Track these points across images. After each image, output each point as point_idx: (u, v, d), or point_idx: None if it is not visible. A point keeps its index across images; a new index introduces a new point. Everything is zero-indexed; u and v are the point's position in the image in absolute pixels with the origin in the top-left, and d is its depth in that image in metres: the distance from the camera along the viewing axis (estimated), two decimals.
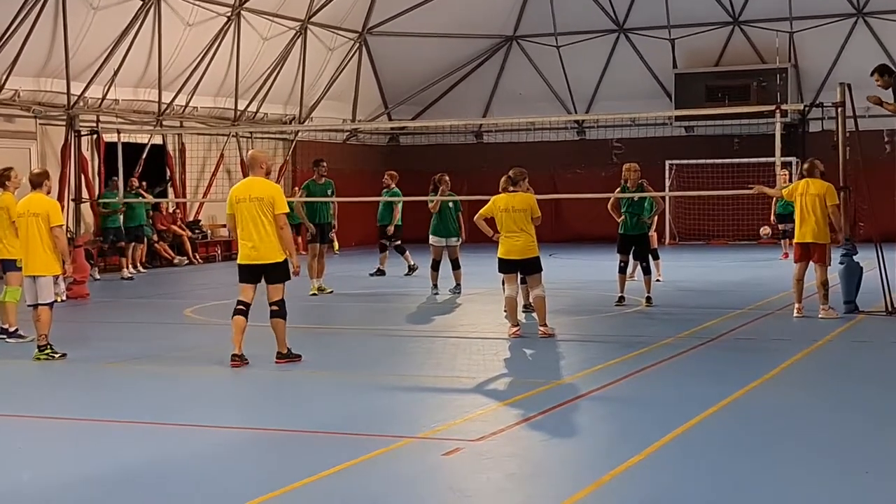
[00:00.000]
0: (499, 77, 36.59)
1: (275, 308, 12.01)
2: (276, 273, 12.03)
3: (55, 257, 13.07)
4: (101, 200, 25.81)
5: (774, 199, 24.31)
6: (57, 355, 12.87)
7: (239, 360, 11.92)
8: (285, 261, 12.01)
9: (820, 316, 15.27)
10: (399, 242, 23.56)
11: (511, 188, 14.08)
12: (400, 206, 23.04)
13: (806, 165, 16.00)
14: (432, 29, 34.46)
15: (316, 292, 19.60)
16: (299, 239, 30.79)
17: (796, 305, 15.58)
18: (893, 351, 13.18)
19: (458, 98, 36.57)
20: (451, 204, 19.62)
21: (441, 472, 7.78)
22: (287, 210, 12.16)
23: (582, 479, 7.42)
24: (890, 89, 15.77)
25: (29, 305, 13.18)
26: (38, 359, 12.84)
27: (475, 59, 36.43)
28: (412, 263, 23.24)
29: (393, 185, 23.31)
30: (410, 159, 35.22)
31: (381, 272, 23.24)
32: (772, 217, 25.48)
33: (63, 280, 13.77)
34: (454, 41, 35.43)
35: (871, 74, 16.00)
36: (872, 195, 16.79)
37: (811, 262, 15.50)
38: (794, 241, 15.90)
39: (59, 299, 14.06)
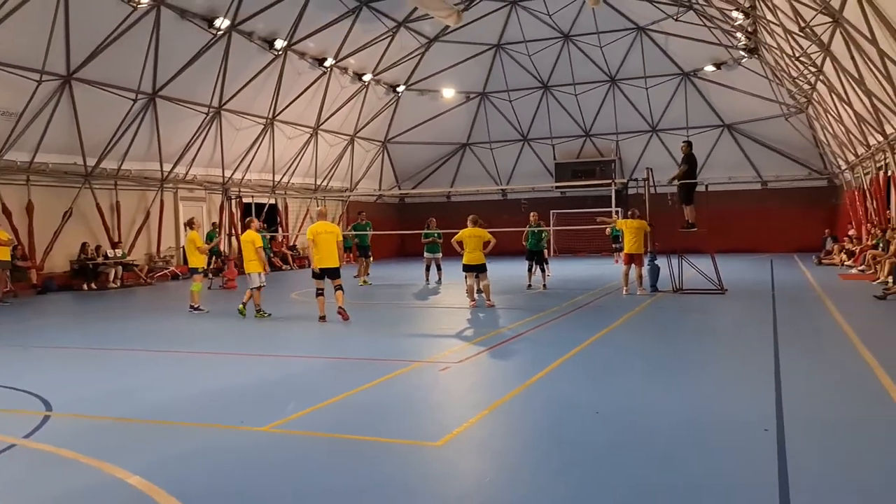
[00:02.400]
0: (459, 165, 36.61)
1: (337, 285, 12.13)
2: (337, 272, 12.14)
3: (259, 263, 12.85)
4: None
5: (608, 228, 24.49)
6: (266, 314, 12.59)
7: (323, 319, 11.87)
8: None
9: (638, 293, 15.33)
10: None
11: (473, 225, 14.16)
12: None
13: (632, 211, 16.20)
14: (424, 138, 34.47)
15: (363, 284, 19.34)
16: (350, 255, 31.03)
17: (624, 288, 15.60)
18: (677, 310, 13.24)
19: (438, 176, 36.57)
20: (436, 234, 19.63)
21: (439, 381, 7.71)
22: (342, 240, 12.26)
23: (513, 385, 7.35)
24: (684, 155, 15.83)
25: (252, 288, 12.81)
26: (256, 316, 12.54)
27: (446, 155, 36.45)
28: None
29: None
30: (412, 210, 35.17)
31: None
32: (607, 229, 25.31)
33: (261, 276, 13.04)
34: (435, 146, 35.43)
35: (683, 143, 16.05)
36: (663, 228, 16.92)
37: (634, 265, 15.60)
38: (624, 252, 15.82)
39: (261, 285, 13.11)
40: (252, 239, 12.92)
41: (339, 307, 12.07)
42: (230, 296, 17.62)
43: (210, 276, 19.54)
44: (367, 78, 28.51)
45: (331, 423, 6.03)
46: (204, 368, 8.61)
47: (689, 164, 15.66)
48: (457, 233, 14.46)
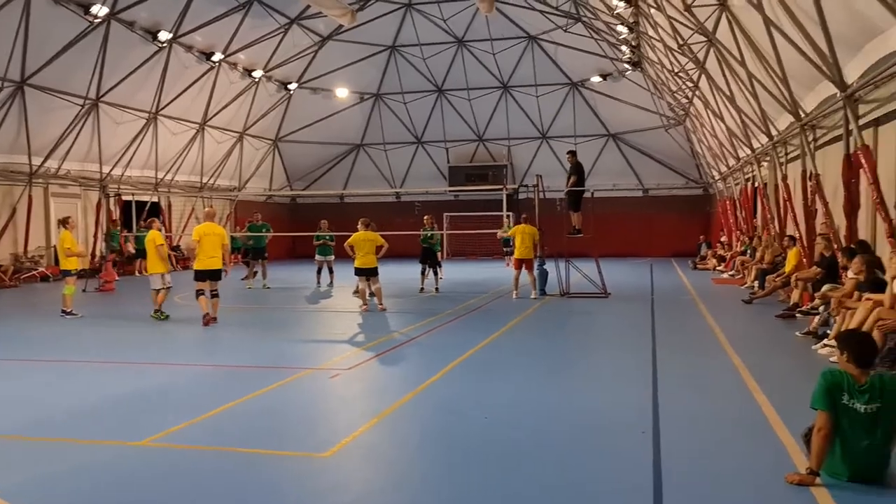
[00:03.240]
0: (353, 166, 36.32)
1: (214, 291, 12.03)
2: (219, 275, 12.02)
3: (161, 264, 12.50)
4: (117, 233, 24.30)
5: (499, 232, 25.04)
6: (163, 316, 12.04)
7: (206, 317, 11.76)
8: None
9: (532, 297, 15.70)
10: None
11: (365, 229, 14.09)
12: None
13: (524, 217, 16.58)
14: (316, 138, 33.95)
15: (250, 287, 18.49)
16: (238, 256, 30.05)
17: (514, 292, 15.96)
18: (564, 313, 13.66)
19: (330, 176, 36.10)
20: (328, 237, 19.37)
21: (329, 389, 7.59)
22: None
23: (404, 391, 7.33)
24: (571, 165, 16.39)
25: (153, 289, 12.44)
26: (152, 316, 12.29)
27: (340, 155, 36.07)
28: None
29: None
30: (304, 211, 34.59)
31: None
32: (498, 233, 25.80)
33: (164, 277, 12.52)
34: (328, 146, 34.98)
35: (568, 153, 16.64)
36: (552, 233, 17.42)
37: (525, 269, 16.01)
38: (515, 256, 16.12)
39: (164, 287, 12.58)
40: (153, 238, 12.53)
41: (207, 314, 11.72)
42: (106, 300, 16.65)
43: (86, 277, 18.43)
44: (257, 74, 27.75)
45: (214, 436, 5.84)
46: (77, 379, 8.10)
47: (578, 173, 16.25)
48: (350, 236, 14.35)
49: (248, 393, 7.14)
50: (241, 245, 20.86)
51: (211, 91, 26.44)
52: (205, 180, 29.69)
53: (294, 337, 11.04)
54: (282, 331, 11.64)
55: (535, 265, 16.43)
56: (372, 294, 15.00)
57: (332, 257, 19.43)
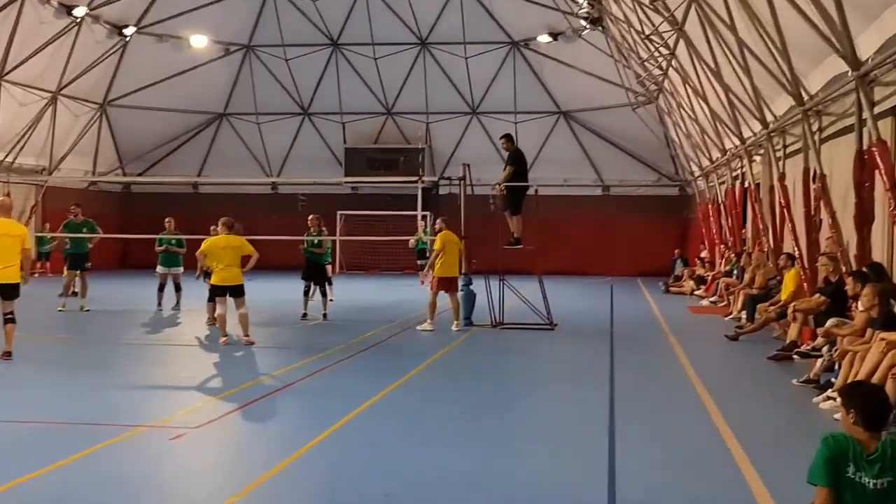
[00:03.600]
0: (212, 143, 35.73)
1: (9, 314, 11.64)
2: (14, 291, 11.65)
3: None
4: None
5: (413, 239, 25.17)
6: None
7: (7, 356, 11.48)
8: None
9: (454, 328, 15.87)
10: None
11: (227, 232, 13.88)
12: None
13: (439, 223, 16.72)
14: (160, 104, 33.24)
15: (63, 309, 17.84)
16: (47, 264, 29.00)
17: (429, 322, 15.93)
18: (496, 352, 13.87)
19: (179, 157, 35.42)
20: (174, 241, 18.95)
21: (169, 455, 7.37)
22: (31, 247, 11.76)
23: (276, 458, 7.18)
24: (509, 153, 16.61)
25: None
26: None
27: (193, 129, 35.44)
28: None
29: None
30: (140, 204, 33.77)
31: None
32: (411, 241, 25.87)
33: None
34: (177, 114, 34.31)
35: (501, 138, 16.89)
36: (482, 242, 17.54)
37: (447, 292, 16.11)
38: (436, 275, 16.18)
39: None
40: None
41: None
42: None
43: None
44: (79, 12, 26.92)
45: None
46: None
47: (517, 163, 16.47)
48: (204, 240, 14.17)
49: (51, 462, 6.80)
50: (50, 251, 20.09)
51: (11, 33, 25.46)
52: None
53: (122, 380, 10.72)
54: (104, 371, 11.30)
55: (459, 285, 16.60)
56: (225, 322, 14.69)
57: (181, 269, 19.05)
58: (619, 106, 30.87)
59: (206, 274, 15.59)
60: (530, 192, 16.90)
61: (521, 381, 11.35)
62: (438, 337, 15.12)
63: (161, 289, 18.84)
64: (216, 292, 13.97)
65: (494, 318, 16.45)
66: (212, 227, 16.58)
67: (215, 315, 14.40)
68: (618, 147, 33.63)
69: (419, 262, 26.65)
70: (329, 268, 19.59)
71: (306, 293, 17.72)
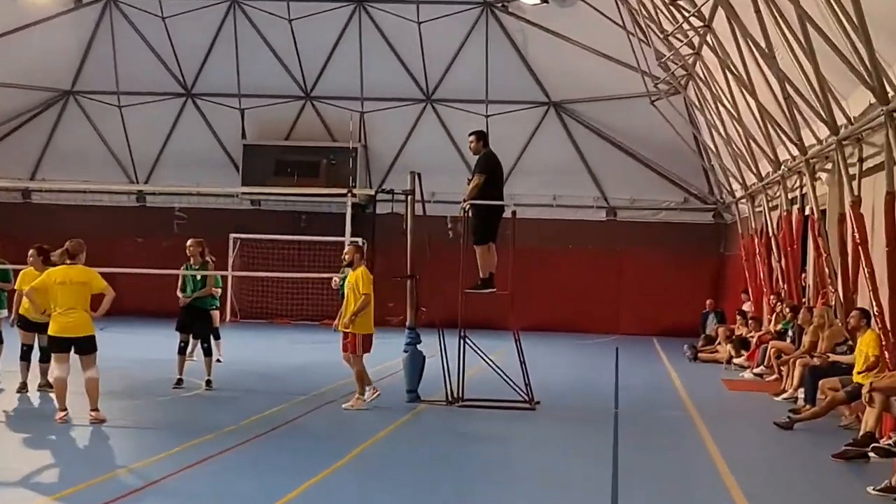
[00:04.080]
0: (52, 133, 35.32)
1: None
2: None
3: None
4: None
5: (336, 278, 25.11)
6: None
7: None
8: None
9: (348, 406, 15.65)
10: None
11: (71, 261, 13.74)
12: None
13: (353, 249, 16.52)
14: None
15: None
16: None
17: (358, 397, 15.80)
18: (453, 443, 13.84)
19: (4, 153, 34.88)
20: None
21: None
22: None
23: None
24: (478, 157, 16.62)
25: None
26: None
27: (25, 112, 34.99)
28: None
29: None
30: None
31: None
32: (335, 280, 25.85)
33: None
34: (3, 92, 33.87)
35: (469, 135, 16.87)
36: (434, 281, 17.48)
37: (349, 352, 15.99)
38: (358, 331, 15.91)
39: None
40: None
41: None
42: None
43: None
44: None
45: None
46: None
47: (488, 171, 16.45)
48: (35, 273, 14.24)
49: None
50: None
51: None
52: None
53: None
54: None
55: (406, 343, 16.66)
56: (47, 386, 14.25)
57: (3, 313, 18.78)
58: (632, 96, 30.96)
59: (21, 319, 15.58)
60: (506, 213, 16.91)
61: (488, 486, 11.30)
62: (371, 418, 15.01)
63: None
64: (54, 347, 13.76)
65: (451, 392, 16.40)
66: (30, 254, 16.40)
67: (50, 379, 14.18)
68: (629, 154, 33.78)
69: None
70: (216, 315, 19.40)
71: (182, 351, 17.56)
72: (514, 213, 17.05)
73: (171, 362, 17.74)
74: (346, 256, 16.60)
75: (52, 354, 13.96)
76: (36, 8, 31.72)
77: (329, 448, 12.64)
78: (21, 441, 12.81)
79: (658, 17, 23.83)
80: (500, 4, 32.21)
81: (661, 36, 24.63)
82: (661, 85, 28.42)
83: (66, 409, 13.58)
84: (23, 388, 16.05)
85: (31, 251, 15.64)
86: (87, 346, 13.63)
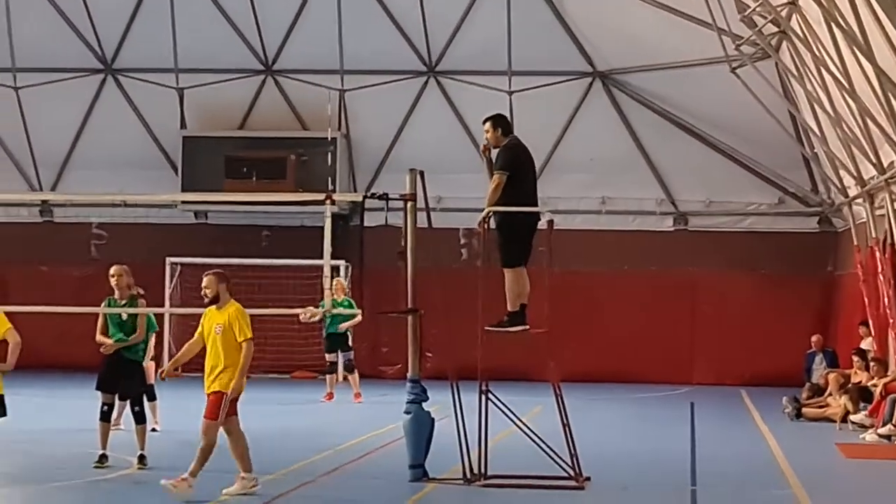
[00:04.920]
0: None
1: None
2: None
3: None
4: None
5: (311, 313, 25.14)
6: None
7: None
8: None
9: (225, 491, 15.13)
10: None
11: None
12: None
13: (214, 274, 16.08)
14: None
15: None
16: None
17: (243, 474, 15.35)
18: None
19: None
20: None
21: None
22: None
23: None
24: (498, 150, 16.55)
25: None
26: None
27: None
28: None
29: None
30: None
31: None
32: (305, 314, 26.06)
33: None
34: None
35: (484, 123, 16.81)
36: (447, 316, 17.39)
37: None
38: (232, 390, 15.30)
39: None
40: None
41: None
42: None
43: None
44: None
45: None
46: None
47: (513, 168, 16.41)
48: None
49: None
50: None
51: None
52: None
53: None
54: None
55: (408, 402, 16.61)
56: None
57: None
58: (705, 63, 31.10)
59: None
60: (540, 223, 16.87)
61: None
62: (361, 502, 15.08)
63: None
64: None
65: (470, 467, 16.33)
66: None
67: None
68: (703, 140, 33.83)
69: (329, 355, 26.62)
70: (151, 368, 19.38)
71: (106, 417, 17.47)
72: (550, 222, 16.95)
73: (91, 432, 17.69)
74: (207, 291, 15.49)
75: None
76: None
77: None
78: None
79: None
80: None
81: None
82: (745, 47, 28.40)
83: None
84: None
85: None
86: None
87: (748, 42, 28.06)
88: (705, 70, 31.11)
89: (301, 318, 25.81)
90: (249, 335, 15.08)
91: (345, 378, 26.90)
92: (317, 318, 26.02)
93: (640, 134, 34.09)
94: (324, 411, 25.95)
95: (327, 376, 27.21)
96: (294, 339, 32.89)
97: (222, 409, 15.07)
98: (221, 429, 15.12)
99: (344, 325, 26.88)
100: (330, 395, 26.70)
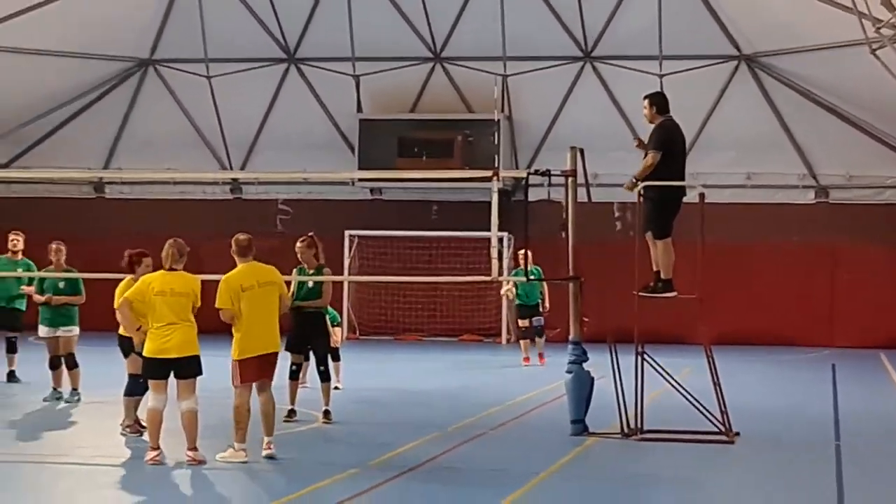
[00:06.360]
0: (128, 112, 36.11)
1: None
2: None
3: None
4: None
5: (508, 287, 25.49)
6: None
7: None
8: None
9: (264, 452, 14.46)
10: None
11: (177, 261, 13.98)
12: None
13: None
14: (38, 44, 33.67)
15: None
16: None
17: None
18: (628, 484, 13.74)
19: (72, 137, 35.83)
20: (62, 284, 19.23)
21: None
22: None
23: None
24: (653, 128, 16.56)
25: None
26: None
27: (97, 88, 35.84)
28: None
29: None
30: (5, 216, 34.18)
31: (13, 376, 22.03)
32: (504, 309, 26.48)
33: None
34: (68, 62, 34.73)
35: (644, 99, 16.83)
36: (604, 283, 17.47)
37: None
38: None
39: None
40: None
41: None
42: None
43: None
44: None
45: None
46: None
47: (664, 146, 16.37)
48: (118, 280, 14.66)
49: None
50: None
51: None
52: None
53: None
54: None
55: (569, 362, 16.65)
56: (159, 425, 14.48)
57: (76, 331, 19.49)
58: (846, 45, 30.66)
59: (123, 343, 15.73)
60: (691, 196, 16.82)
61: None
62: (527, 456, 15.07)
63: (54, 364, 19.32)
64: (151, 371, 14.03)
65: (627, 422, 16.37)
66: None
67: (147, 410, 14.28)
68: (844, 118, 33.35)
69: (521, 321, 26.65)
70: (337, 331, 19.64)
71: (294, 375, 17.70)
72: (701, 195, 16.93)
73: (281, 389, 17.91)
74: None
75: (150, 381, 14.13)
76: None
77: (475, 496, 12.66)
78: (106, 487, 13.02)
79: None
80: None
81: None
82: (885, 30, 27.97)
83: (158, 448, 13.84)
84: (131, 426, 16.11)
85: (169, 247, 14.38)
86: (191, 369, 13.95)
87: (887, 25, 27.63)
88: (846, 52, 30.67)
89: (502, 293, 26.22)
90: (222, 305, 14.22)
91: (532, 341, 26.69)
92: (507, 292, 26.46)
93: (782, 112, 33.74)
94: (494, 371, 26.09)
95: (521, 341, 27.12)
96: (461, 305, 33.19)
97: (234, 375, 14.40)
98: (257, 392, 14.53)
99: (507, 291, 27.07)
100: (527, 360, 26.65)
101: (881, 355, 30.29)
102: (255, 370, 14.24)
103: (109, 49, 35.06)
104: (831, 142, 33.62)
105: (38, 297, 19.47)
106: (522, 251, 22.74)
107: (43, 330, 19.37)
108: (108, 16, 33.84)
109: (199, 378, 14.15)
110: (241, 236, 14.81)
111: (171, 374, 13.94)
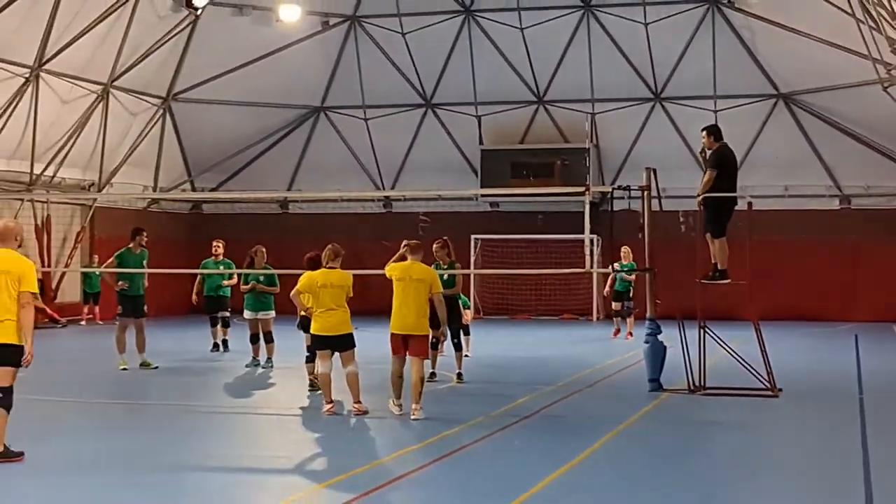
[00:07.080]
0: (305, 147, 36.54)
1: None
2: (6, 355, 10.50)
3: None
4: None
5: (611, 278, 25.40)
6: None
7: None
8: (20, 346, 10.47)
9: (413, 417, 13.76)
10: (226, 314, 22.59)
11: (334, 262, 14.06)
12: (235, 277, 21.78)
13: (407, 245, 14.86)
14: (239, 97, 34.21)
15: (126, 367, 18.57)
16: (96, 308, 30.32)
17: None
18: (695, 428, 13.72)
19: (264, 167, 36.35)
20: (261, 278, 19.40)
21: None
22: (36, 290, 10.68)
23: None
24: (710, 152, 16.42)
25: None
26: None
27: (282, 129, 36.31)
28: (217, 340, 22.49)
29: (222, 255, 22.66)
30: (213, 228, 34.72)
31: (217, 346, 22.41)
32: (606, 289, 26.44)
33: None
34: (261, 110, 35.24)
35: (702, 131, 16.69)
36: (672, 273, 17.39)
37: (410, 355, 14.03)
38: (392, 329, 14.00)
39: None
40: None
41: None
42: None
43: None
44: None
45: None
46: None
47: (721, 165, 16.21)
48: (298, 275, 14.46)
49: None
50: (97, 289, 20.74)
51: (52, 12, 26.71)
52: (36, 169, 29.83)
53: (199, 460, 11.09)
54: (177, 448, 11.63)
55: (647, 334, 16.60)
56: (329, 384, 14.65)
57: (272, 314, 19.62)
58: (861, 84, 30.10)
59: (303, 323, 15.81)
60: (739, 206, 16.67)
61: (738, 475, 11.07)
62: (616, 407, 15.07)
63: (254, 339, 19.63)
64: (318, 344, 14.19)
65: (693, 381, 16.23)
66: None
67: (317, 375, 14.62)
68: (863, 142, 32.64)
69: (615, 305, 26.23)
70: (467, 313, 19.72)
71: (434, 346, 17.66)
72: (749, 204, 16.90)
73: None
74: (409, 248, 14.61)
75: (317, 351, 14.35)
76: (288, 31, 32.91)
77: (576, 438, 12.65)
78: (293, 431, 13.35)
79: (889, 2, 23.04)
80: (725, 0, 31.74)
81: (893, 22, 23.79)
82: (895, 72, 27.46)
83: (332, 402, 14.00)
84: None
85: (327, 251, 14.23)
86: (346, 343, 13.99)
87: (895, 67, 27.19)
88: (863, 89, 30.14)
89: (606, 292, 26.39)
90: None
91: (624, 319, 26.39)
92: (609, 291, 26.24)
93: (812, 138, 33.16)
94: (587, 342, 26.01)
95: (615, 318, 26.73)
96: (561, 291, 33.19)
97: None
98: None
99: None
100: (617, 332, 26.28)
101: (894, 328, 29.82)
102: (399, 345, 13.88)
103: (291, 99, 35.51)
104: (852, 160, 32.96)
105: (243, 287, 19.62)
106: (625, 248, 23.82)
107: (247, 314, 19.55)
108: (290, 75, 34.31)
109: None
110: (413, 242, 14.69)
111: (335, 348, 13.94)
